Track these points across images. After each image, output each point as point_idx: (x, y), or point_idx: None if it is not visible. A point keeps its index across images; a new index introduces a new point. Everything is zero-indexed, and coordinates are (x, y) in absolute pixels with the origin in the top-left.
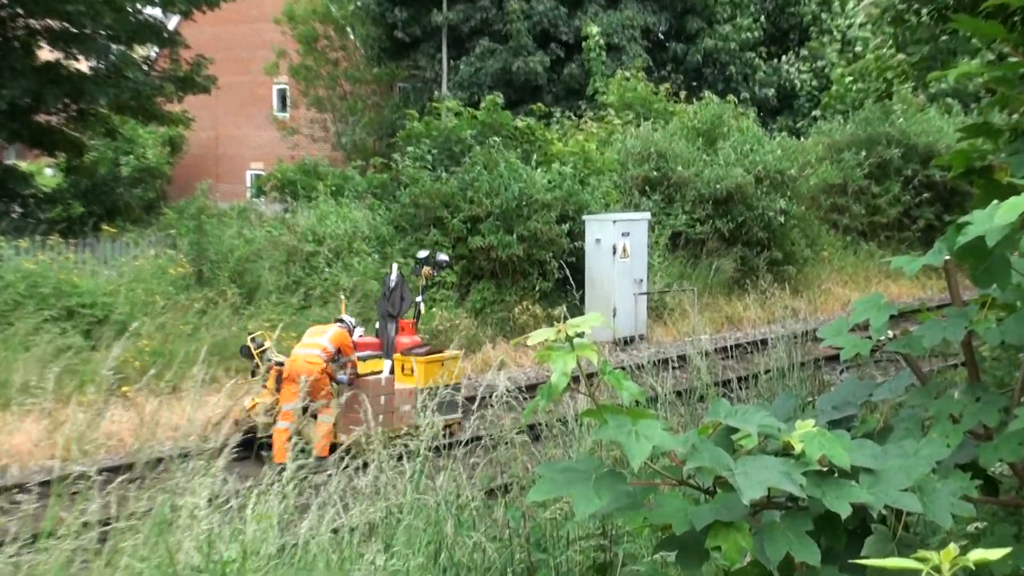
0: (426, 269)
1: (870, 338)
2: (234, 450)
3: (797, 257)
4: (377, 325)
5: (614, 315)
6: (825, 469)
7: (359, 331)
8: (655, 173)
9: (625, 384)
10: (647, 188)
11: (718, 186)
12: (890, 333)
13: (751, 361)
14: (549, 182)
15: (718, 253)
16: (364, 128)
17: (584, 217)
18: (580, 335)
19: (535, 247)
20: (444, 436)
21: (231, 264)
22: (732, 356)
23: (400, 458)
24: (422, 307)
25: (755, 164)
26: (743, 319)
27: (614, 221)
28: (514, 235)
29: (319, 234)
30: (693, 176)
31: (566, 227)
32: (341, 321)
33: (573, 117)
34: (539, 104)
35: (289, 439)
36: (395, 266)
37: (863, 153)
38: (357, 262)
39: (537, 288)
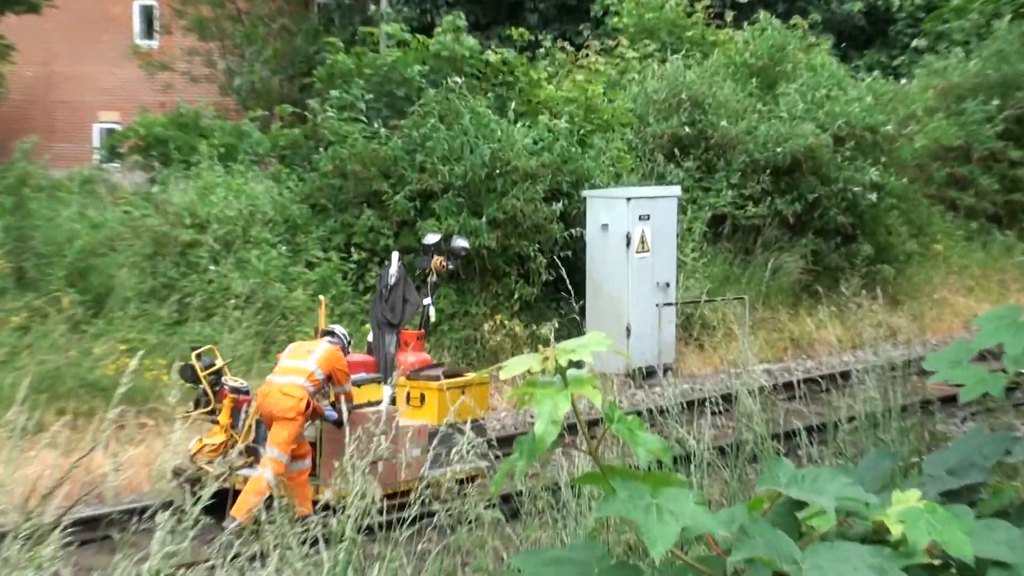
0: (436, 260)
1: (1004, 371)
2: (172, 511)
3: (896, 252)
4: (370, 338)
5: (628, 335)
6: (937, 563)
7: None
8: (688, 130)
9: (641, 436)
10: (676, 152)
11: (779, 149)
12: None
13: (827, 403)
14: (534, 142)
15: (779, 246)
16: (267, 64)
17: (585, 193)
18: (577, 364)
19: (513, 236)
20: (454, 496)
21: (69, 259)
22: (799, 396)
23: (315, 544)
24: (432, 312)
25: (834, 117)
26: (815, 342)
27: (628, 199)
28: (483, 218)
29: (200, 216)
30: (743, 135)
31: (558, 207)
32: (331, 335)
33: (569, 48)
34: (520, 29)
35: (269, 499)
36: (395, 256)
37: (994, 102)
38: (256, 257)
39: (516, 295)
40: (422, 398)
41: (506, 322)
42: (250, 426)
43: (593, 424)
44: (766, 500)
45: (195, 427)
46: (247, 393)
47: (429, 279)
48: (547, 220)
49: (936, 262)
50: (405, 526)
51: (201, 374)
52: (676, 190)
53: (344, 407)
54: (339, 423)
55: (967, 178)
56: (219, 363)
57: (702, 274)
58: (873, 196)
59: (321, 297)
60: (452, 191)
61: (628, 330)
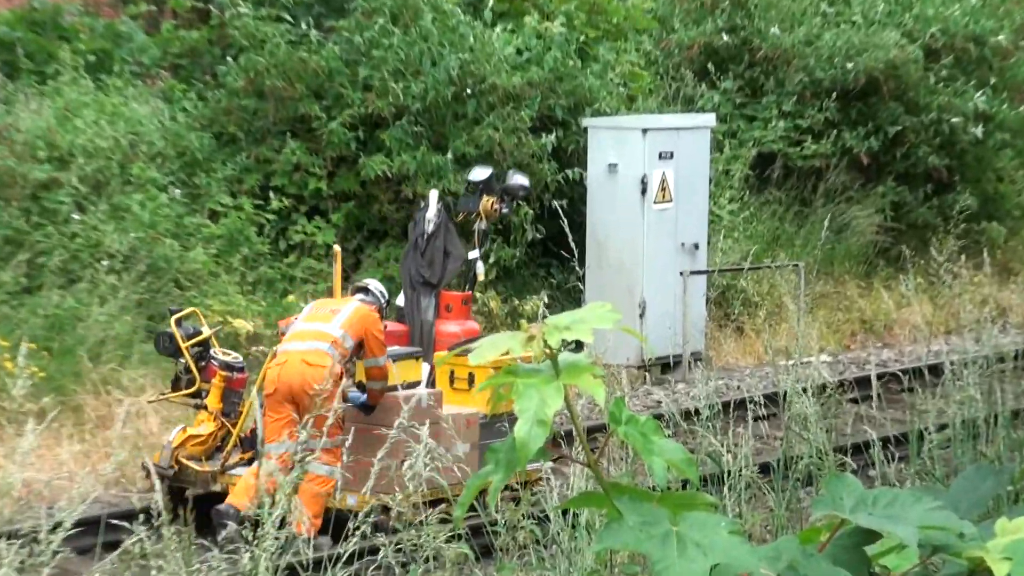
0: (487, 201)
1: None
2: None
3: (1008, 205)
4: (400, 301)
5: (642, 315)
6: None
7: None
8: (727, 39)
9: (658, 444)
10: (711, 68)
11: (850, 66)
12: None
13: (909, 407)
14: (519, 52)
15: (848, 196)
16: None
17: (586, 122)
18: (573, 347)
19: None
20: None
21: None
22: (873, 397)
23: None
24: (480, 269)
25: (926, 24)
26: (895, 324)
27: (645, 131)
28: (448, 154)
29: (60, 148)
30: (801, 46)
31: (550, 140)
32: (364, 292)
33: None
34: None
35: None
36: (433, 196)
37: None
38: (139, 204)
39: (493, 260)
40: (470, 379)
41: (478, 295)
42: (246, 412)
43: (594, 429)
44: (824, 530)
45: (167, 413)
46: (242, 370)
47: (476, 226)
48: (535, 158)
49: None
50: (340, 566)
51: (183, 345)
52: (709, 119)
53: (376, 386)
54: (367, 408)
55: None
56: (206, 331)
57: (743, 233)
58: (978, 130)
59: (336, 247)
60: (407, 117)
61: (642, 307)
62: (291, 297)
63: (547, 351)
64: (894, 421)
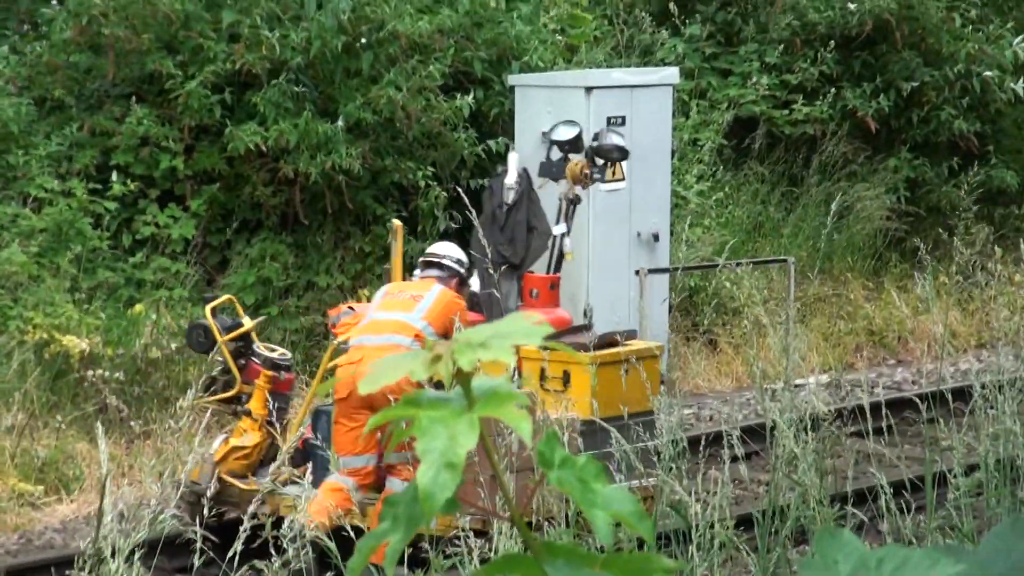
0: (575, 162)
1: None
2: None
3: None
4: (474, 284)
5: (587, 320)
6: None
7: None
8: None
9: (602, 493)
10: (673, 9)
11: (852, 6)
12: None
13: (928, 442)
14: None
15: (850, 171)
16: None
17: (513, 80)
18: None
19: (390, 152)
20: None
21: None
22: (881, 430)
23: None
24: (567, 245)
25: None
26: (911, 336)
27: (589, 89)
28: (339, 122)
29: None
30: None
31: (467, 103)
32: (437, 267)
33: None
34: None
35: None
36: (513, 159)
37: None
38: None
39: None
40: (565, 377)
41: None
42: (299, 418)
43: (522, 471)
44: None
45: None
46: (289, 368)
47: (562, 194)
48: (447, 125)
49: None
50: None
51: (220, 340)
52: (672, 75)
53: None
54: None
55: None
56: (247, 323)
57: (715, 220)
58: (1018, 85)
59: (396, 221)
60: (286, 75)
61: (588, 316)
62: (139, 307)
63: (457, 375)
64: (910, 461)
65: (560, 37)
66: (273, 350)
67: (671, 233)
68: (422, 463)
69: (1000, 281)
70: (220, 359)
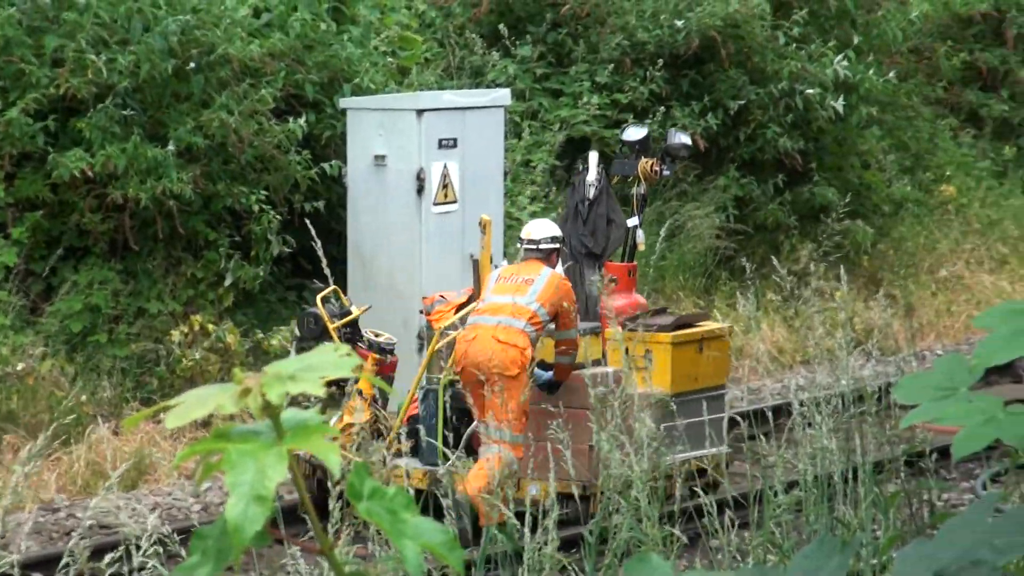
0: (645, 163)
1: None
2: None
3: (876, 199)
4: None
5: (421, 346)
6: None
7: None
8: None
9: (411, 524)
10: (504, 30)
11: (680, 24)
12: None
13: (751, 458)
14: (256, 14)
15: (681, 190)
16: None
17: (345, 103)
18: (302, 403)
19: (223, 177)
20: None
21: None
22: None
23: None
24: (640, 237)
25: None
26: (738, 354)
27: (420, 112)
28: (169, 146)
29: None
30: (615, 1)
31: (299, 126)
32: (538, 250)
33: None
34: None
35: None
36: (593, 158)
37: None
38: None
39: (229, 282)
40: (648, 356)
41: (211, 327)
42: (410, 396)
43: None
44: None
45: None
46: (393, 352)
47: (635, 190)
48: (280, 148)
49: (944, 215)
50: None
51: (331, 327)
52: (503, 96)
53: (566, 361)
54: (553, 387)
55: (997, 70)
56: (355, 311)
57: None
58: (838, 103)
59: (485, 216)
60: (113, 99)
61: (422, 340)
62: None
63: (267, 408)
64: (740, 477)
65: (391, 59)
66: (379, 335)
67: (504, 254)
68: (231, 496)
69: (823, 297)
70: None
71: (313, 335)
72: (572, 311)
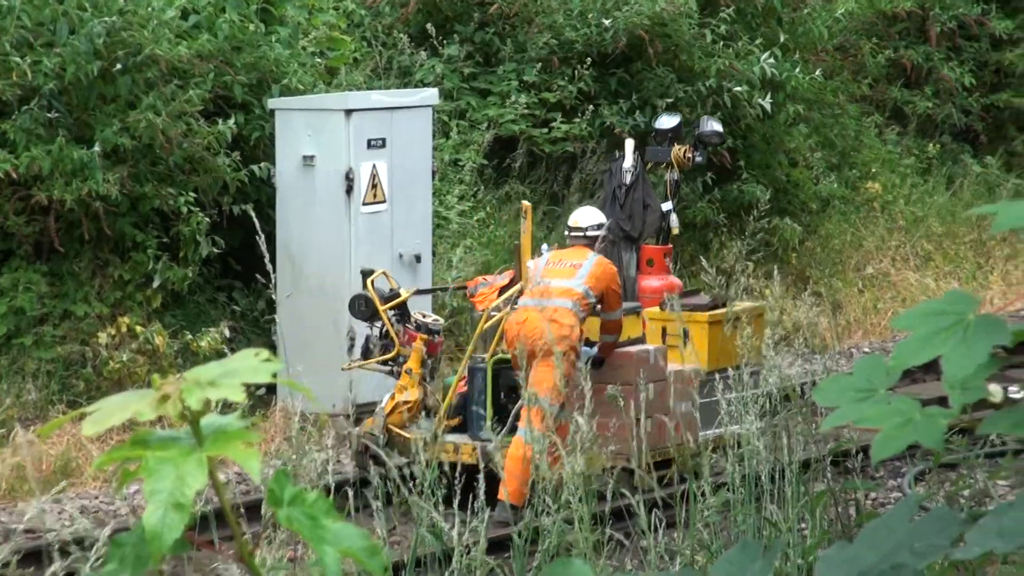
0: (679, 150)
1: (945, 405)
2: None
3: (803, 196)
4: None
5: (351, 347)
6: None
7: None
8: None
9: (332, 529)
10: (431, 30)
11: (607, 23)
12: (997, 391)
13: (679, 460)
14: (183, 15)
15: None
16: None
17: (273, 103)
18: (223, 407)
19: (150, 178)
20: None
21: None
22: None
23: None
24: (674, 221)
25: None
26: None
27: (349, 112)
28: (95, 147)
29: None
30: (543, 0)
31: (228, 127)
32: (585, 237)
33: None
34: None
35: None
36: (629, 145)
37: None
38: None
39: (157, 283)
40: (685, 335)
41: (139, 329)
42: (459, 376)
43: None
44: None
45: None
46: (440, 333)
47: (668, 176)
48: (209, 150)
49: (870, 212)
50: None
51: (381, 308)
52: (431, 96)
53: (610, 339)
54: (598, 363)
55: (921, 67)
56: (404, 293)
57: (477, 240)
58: (766, 101)
59: (526, 203)
60: (38, 101)
61: (352, 340)
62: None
63: (187, 414)
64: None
65: (320, 60)
66: (426, 316)
67: (433, 254)
68: (149, 503)
69: (752, 295)
70: (379, 324)
71: (363, 316)
72: (617, 293)
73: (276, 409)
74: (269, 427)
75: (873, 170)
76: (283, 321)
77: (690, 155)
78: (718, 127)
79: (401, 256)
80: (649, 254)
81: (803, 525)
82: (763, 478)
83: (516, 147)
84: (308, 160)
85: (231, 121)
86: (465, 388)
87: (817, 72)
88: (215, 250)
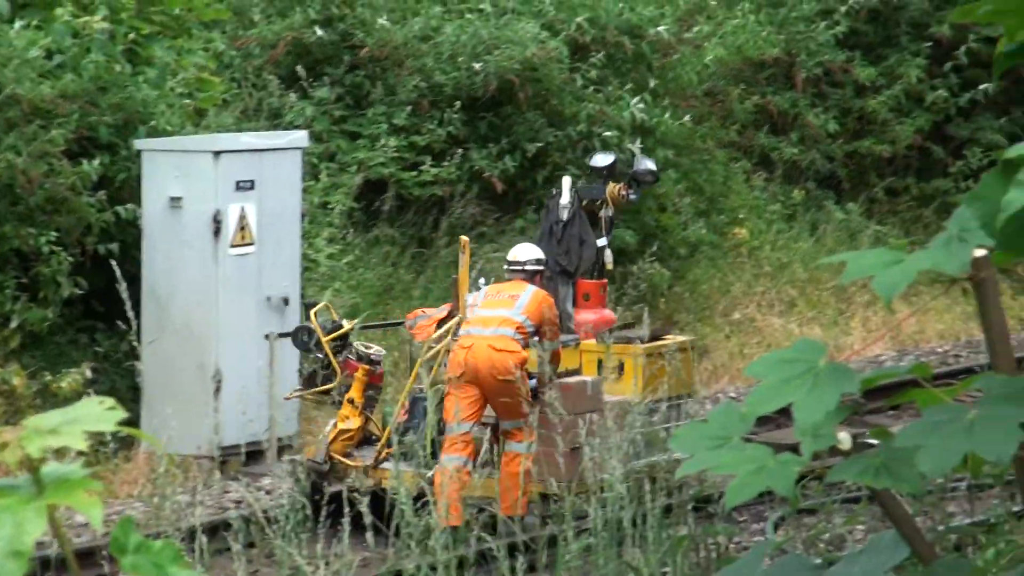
0: (613, 187)
1: (796, 452)
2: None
3: (672, 241)
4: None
5: (217, 390)
6: None
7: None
8: (321, 34)
9: None
10: (302, 72)
11: (478, 67)
12: (846, 439)
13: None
14: (48, 55)
15: (481, 232)
16: None
17: (140, 144)
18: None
19: (11, 218)
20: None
21: None
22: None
23: None
24: (608, 257)
25: (569, 12)
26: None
27: (216, 154)
28: None
29: None
30: (416, 42)
31: (93, 168)
32: (523, 272)
33: None
34: None
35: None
36: (567, 183)
37: None
38: None
39: (16, 324)
40: (620, 367)
41: None
42: (401, 403)
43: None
44: None
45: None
46: (380, 364)
47: (603, 213)
48: (73, 191)
49: (737, 258)
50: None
51: (323, 340)
52: (301, 138)
53: (548, 371)
54: (535, 394)
55: (787, 113)
56: (346, 325)
57: (346, 283)
58: (636, 146)
59: (464, 237)
60: None
61: (218, 382)
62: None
63: (26, 462)
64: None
65: (188, 101)
66: (368, 347)
67: (302, 297)
68: None
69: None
70: (321, 355)
71: (305, 347)
72: (555, 324)
73: (140, 452)
74: (132, 469)
75: (740, 216)
76: (149, 363)
77: (624, 192)
78: (652, 166)
79: (269, 299)
80: (585, 288)
81: (665, 569)
82: (625, 522)
83: (385, 190)
84: (175, 201)
85: (96, 161)
86: (406, 416)
87: (686, 118)
88: (77, 291)
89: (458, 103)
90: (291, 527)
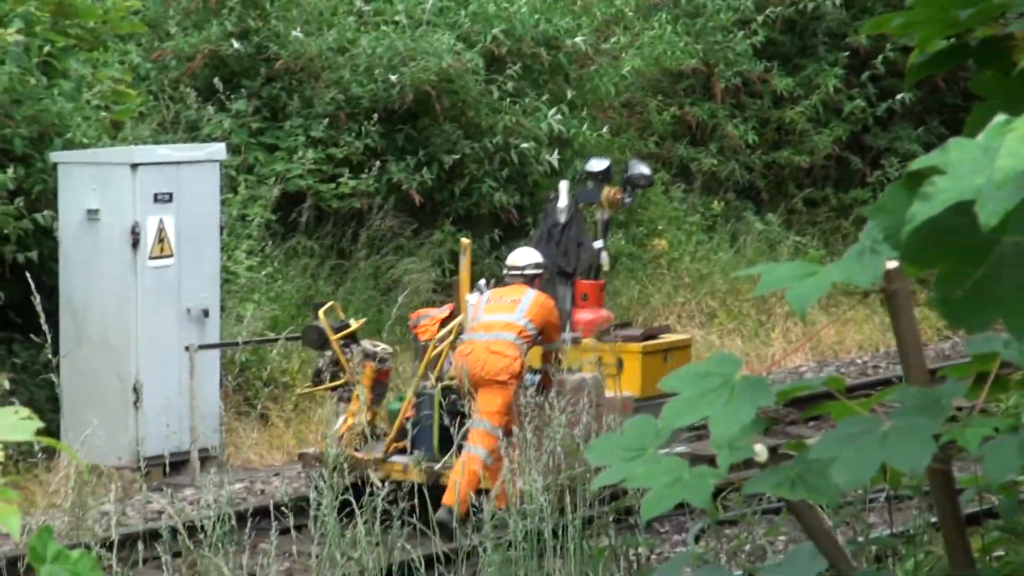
0: (608, 191)
1: (713, 465)
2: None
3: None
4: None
5: (136, 402)
6: None
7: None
8: (238, 46)
9: None
10: (218, 84)
11: (394, 79)
12: (762, 451)
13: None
14: None
15: (398, 244)
16: None
17: (56, 157)
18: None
19: None
20: None
21: None
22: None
23: None
24: (605, 259)
25: (485, 24)
26: None
27: (135, 166)
28: None
29: None
30: (331, 54)
31: (8, 178)
32: (523, 276)
33: None
34: None
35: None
36: (564, 187)
37: None
38: None
39: None
40: (619, 364)
41: None
42: (408, 401)
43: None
44: None
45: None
46: (388, 361)
47: (599, 216)
48: None
49: (657, 269)
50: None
51: (332, 338)
52: (219, 151)
53: (551, 369)
54: (541, 389)
55: (706, 124)
56: (353, 324)
57: (265, 294)
58: (553, 157)
59: (464, 240)
60: None
61: (137, 394)
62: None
63: None
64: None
65: (104, 113)
66: (376, 346)
67: (222, 309)
68: None
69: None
70: (330, 353)
71: (315, 346)
72: (556, 325)
73: (62, 462)
74: (53, 480)
75: (660, 227)
76: (68, 374)
77: (619, 196)
78: (646, 170)
79: (189, 311)
80: (583, 289)
81: None
82: (546, 534)
83: (303, 202)
84: (93, 214)
85: (9, 172)
86: (413, 413)
87: (604, 129)
88: None
89: (375, 115)
90: (217, 538)
